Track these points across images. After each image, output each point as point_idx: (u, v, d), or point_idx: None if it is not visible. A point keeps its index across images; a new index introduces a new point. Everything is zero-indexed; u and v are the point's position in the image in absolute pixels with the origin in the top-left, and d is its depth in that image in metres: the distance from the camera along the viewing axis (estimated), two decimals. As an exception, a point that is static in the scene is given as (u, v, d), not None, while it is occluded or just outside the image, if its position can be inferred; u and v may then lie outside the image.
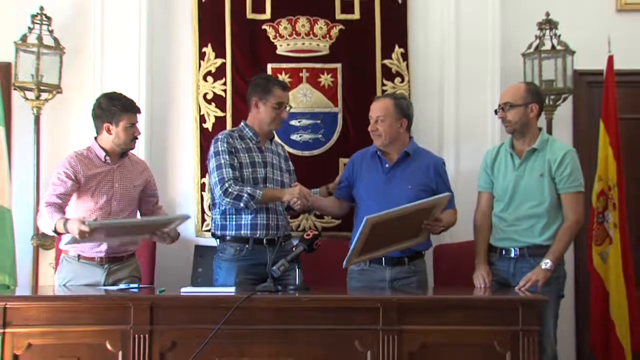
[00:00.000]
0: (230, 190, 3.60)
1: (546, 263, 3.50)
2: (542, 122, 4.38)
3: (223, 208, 3.72)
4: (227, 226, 3.72)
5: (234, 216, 3.70)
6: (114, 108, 3.64)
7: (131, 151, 3.84)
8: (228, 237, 3.72)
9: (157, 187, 3.99)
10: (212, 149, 3.76)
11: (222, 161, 3.67)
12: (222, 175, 3.64)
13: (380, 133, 3.77)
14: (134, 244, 3.86)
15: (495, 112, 3.77)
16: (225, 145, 3.70)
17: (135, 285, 3.51)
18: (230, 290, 3.31)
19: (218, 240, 3.79)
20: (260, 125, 3.80)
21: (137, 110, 3.74)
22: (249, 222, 3.68)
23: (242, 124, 3.87)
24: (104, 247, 3.67)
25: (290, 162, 4.01)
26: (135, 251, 3.88)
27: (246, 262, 3.68)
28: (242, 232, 3.68)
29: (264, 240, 3.69)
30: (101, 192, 3.67)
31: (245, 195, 3.58)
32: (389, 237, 3.49)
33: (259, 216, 3.68)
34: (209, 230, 4.37)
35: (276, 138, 4.04)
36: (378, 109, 3.79)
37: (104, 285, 3.64)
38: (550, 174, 3.61)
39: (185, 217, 3.72)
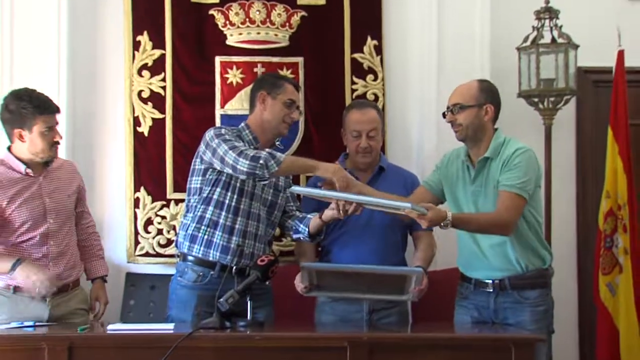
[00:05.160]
0: (246, 152, 3.53)
1: (447, 220, 3.41)
2: (540, 128, 4.46)
3: (199, 214, 3.70)
4: (197, 238, 3.69)
5: (208, 228, 3.68)
6: (24, 110, 3.56)
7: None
8: (191, 258, 3.70)
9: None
10: (210, 134, 3.68)
11: (227, 137, 3.63)
12: (234, 144, 3.58)
13: (372, 150, 3.82)
14: (79, 267, 3.80)
15: (444, 115, 3.71)
16: (224, 130, 3.70)
17: (31, 323, 3.42)
18: (168, 327, 3.28)
19: (178, 258, 3.77)
20: (264, 127, 3.80)
21: (55, 110, 3.68)
22: (220, 242, 3.66)
23: (242, 124, 3.85)
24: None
25: None
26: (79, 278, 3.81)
27: (209, 291, 3.61)
28: (211, 251, 3.67)
29: (233, 268, 3.68)
30: (30, 212, 3.60)
31: (264, 154, 3.51)
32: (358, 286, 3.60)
33: (233, 238, 3.68)
34: (143, 255, 4.38)
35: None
36: (368, 122, 3.79)
37: (48, 321, 3.57)
38: None
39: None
